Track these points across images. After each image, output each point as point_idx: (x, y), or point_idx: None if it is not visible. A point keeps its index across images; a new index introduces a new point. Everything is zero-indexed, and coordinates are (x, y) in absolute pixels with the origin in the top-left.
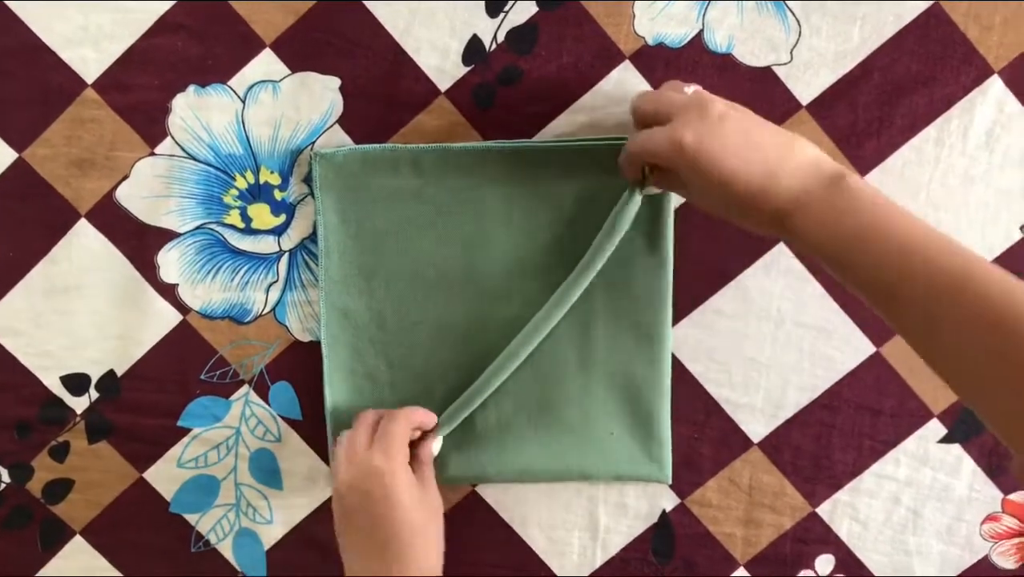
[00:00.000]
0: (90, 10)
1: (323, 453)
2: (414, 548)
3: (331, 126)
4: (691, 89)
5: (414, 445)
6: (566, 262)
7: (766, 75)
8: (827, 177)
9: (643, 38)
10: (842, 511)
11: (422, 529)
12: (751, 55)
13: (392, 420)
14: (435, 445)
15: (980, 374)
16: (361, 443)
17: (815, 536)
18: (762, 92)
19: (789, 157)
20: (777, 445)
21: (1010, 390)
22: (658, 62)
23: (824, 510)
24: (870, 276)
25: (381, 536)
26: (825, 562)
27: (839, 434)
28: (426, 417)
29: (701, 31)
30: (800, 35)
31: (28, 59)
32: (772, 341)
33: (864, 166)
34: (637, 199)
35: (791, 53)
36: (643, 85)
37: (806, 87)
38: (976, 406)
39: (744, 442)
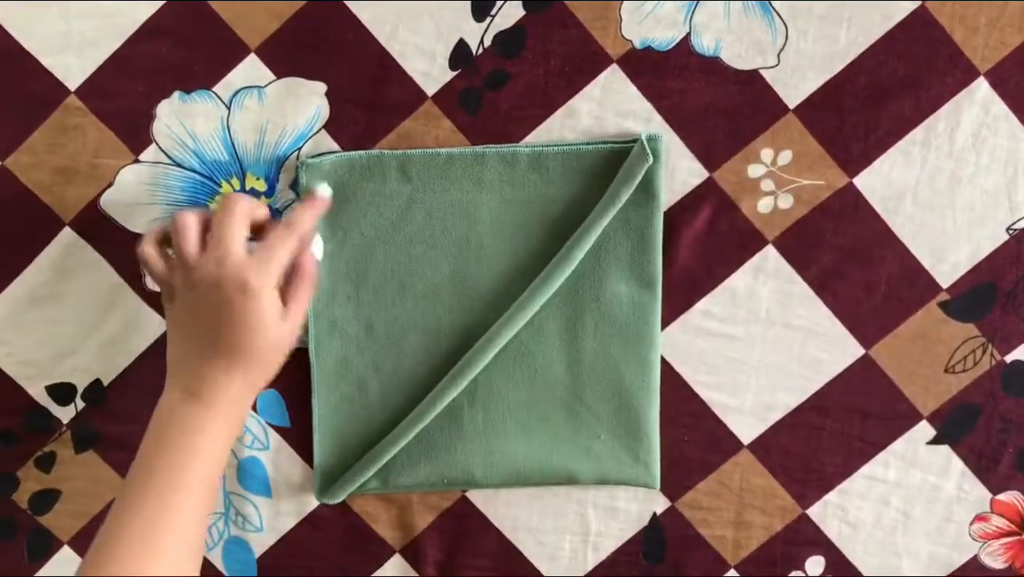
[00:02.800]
0: (72, 16)
1: (312, 460)
2: (243, 362)
3: (317, 132)
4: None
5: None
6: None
7: (753, 78)
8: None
9: (630, 41)
10: (832, 513)
11: (259, 352)
12: (738, 58)
13: (286, 235)
14: (317, 251)
15: None
16: (238, 242)
17: (805, 538)
18: (749, 95)
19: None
20: (767, 447)
21: None
22: (646, 65)
23: (814, 512)
24: None
25: (217, 342)
26: (815, 564)
27: (829, 436)
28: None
29: (688, 34)
30: (787, 38)
31: (9, 66)
32: (761, 343)
33: (851, 168)
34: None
35: (778, 56)
36: (630, 89)
37: (793, 90)
38: None
39: (734, 444)
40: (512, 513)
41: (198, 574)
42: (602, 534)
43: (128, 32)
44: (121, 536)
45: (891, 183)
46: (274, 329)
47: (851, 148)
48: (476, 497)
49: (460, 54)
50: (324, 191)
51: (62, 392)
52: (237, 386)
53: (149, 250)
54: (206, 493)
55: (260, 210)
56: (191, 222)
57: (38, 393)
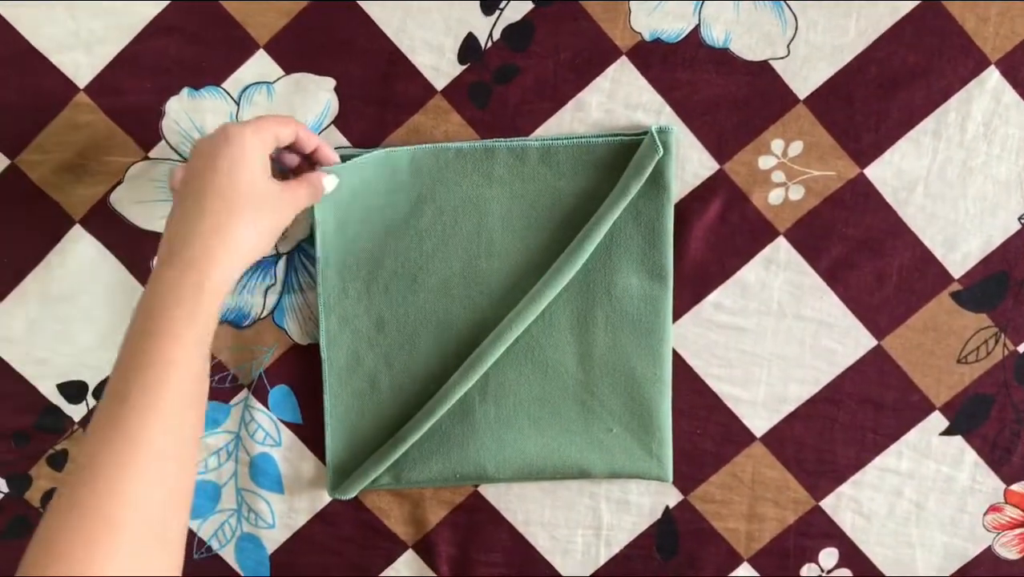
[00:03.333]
0: (80, 14)
1: (324, 457)
2: (235, 223)
3: (327, 127)
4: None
5: (311, 166)
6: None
7: (763, 69)
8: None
9: (640, 34)
10: (845, 504)
11: (248, 209)
12: (748, 49)
13: (277, 116)
14: (328, 181)
15: None
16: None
17: (818, 530)
18: (759, 86)
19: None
20: (780, 439)
21: None
22: (655, 57)
23: (827, 504)
24: None
25: (207, 195)
26: (829, 556)
27: (841, 428)
28: (326, 151)
29: (698, 26)
30: (797, 29)
31: (19, 65)
32: (773, 335)
33: (862, 159)
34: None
35: (788, 47)
36: (640, 81)
37: (803, 81)
38: None
39: (746, 437)
40: (524, 507)
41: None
42: (615, 528)
43: (137, 29)
44: (91, 459)
45: (902, 173)
46: (259, 181)
47: (862, 138)
48: (488, 491)
49: (469, 48)
50: (330, 182)
51: (73, 390)
52: (225, 255)
53: (174, 168)
54: (190, 394)
55: (288, 128)
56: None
57: (50, 391)
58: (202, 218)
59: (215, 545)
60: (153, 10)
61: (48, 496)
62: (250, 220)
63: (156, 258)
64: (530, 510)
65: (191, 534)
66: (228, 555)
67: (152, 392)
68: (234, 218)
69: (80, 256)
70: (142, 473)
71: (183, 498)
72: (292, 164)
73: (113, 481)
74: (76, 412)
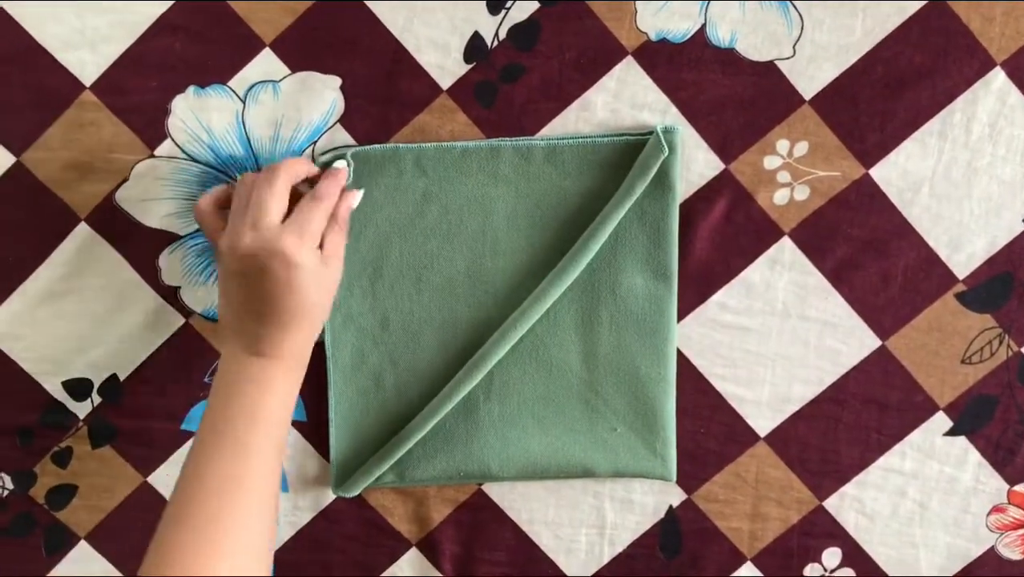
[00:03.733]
0: (86, 12)
1: (328, 454)
2: (297, 323)
3: (332, 126)
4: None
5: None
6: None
7: (769, 69)
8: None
9: (646, 34)
10: (849, 504)
11: (311, 309)
12: (754, 50)
13: (316, 205)
14: (354, 200)
15: None
16: (272, 209)
17: (822, 530)
18: (765, 87)
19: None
20: (783, 439)
21: None
22: (661, 57)
23: (831, 504)
24: None
25: (267, 309)
26: (832, 555)
27: (845, 428)
28: (341, 188)
29: (704, 26)
30: (802, 29)
31: (25, 62)
32: (777, 335)
33: (868, 160)
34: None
35: (794, 47)
36: (645, 81)
37: (809, 81)
38: None
39: (750, 436)
40: (528, 506)
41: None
42: (618, 527)
43: (143, 27)
44: (195, 495)
45: (907, 174)
46: (318, 287)
47: (867, 139)
48: (492, 490)
49: (475, 47)
50: (340, 164)
51: (79, 387)
52: (299, 339)
53: (204, 208)
54: (276, 450)
55: (303, 168)
56: (249, 182)
57: (55, 389)
58: (274, 326)
59: None
60: (159, 8)
61: (52, 493)
62: (325, 302)
63: (227, 323)
64: (534, 509)
65: None
66: None
67: (251, 439)
68: (322, 317)
69: (85, 254)
70: (242, 506)
71: (271, 524)
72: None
73: (219, 512)
74: (81, 409)
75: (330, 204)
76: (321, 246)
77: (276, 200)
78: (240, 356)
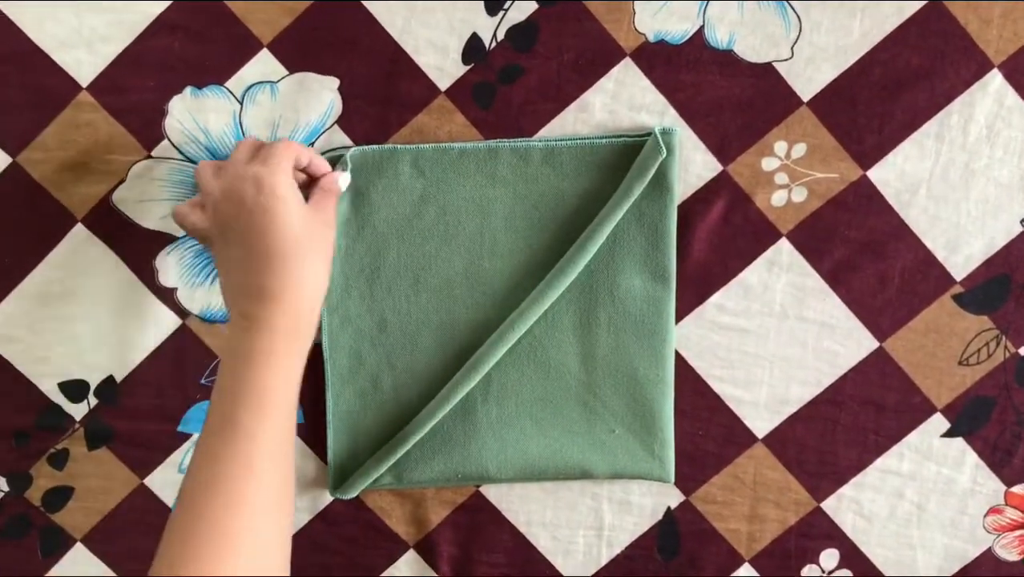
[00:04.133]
0: (84, 12)
1: (326, 456)
2: (296, 264)
3: (330, 127)
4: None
5: (314, 180)
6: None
7: (767, 71)
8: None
9: (644, 35)
10: (846, 506)
11: (303, 248)
12: (752, 51)
13: (282, 143)
14: (342, 179)
15: None
16: (239, 160)
17: (820, 531)
18: (763, 88)
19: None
20: (781, 441)
21: None
22: (659, 59)
23: (828, 505)
24: None
25: (260, 248)
26: (829, 557)
27: (843, 429)
28: (317, 159)
29: (702, 27)
30: (801, 31)
31: (22, 62)
32: (775, 337)
33: (865, 161)
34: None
35: (792, 49)
36: (643, 82)
37: (807, 83)
38: None
39: (748, 438)
40: (526, 508)
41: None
42: (616, 528)
43: (140, 28)
44: (203, 485)
45: (905, 176)
46: (302, 223)
47: (865, 141)
48: (490, 492)
49: (473, 48)
50: (343, 180)
51: (75, 389)
52: (293, 295)
53: (181, 207)
54: (282, 429)
55: (307, 153)
56: (204, 167)
57: (51, 390)
58: (264, 271)
59: None
60: (156, 8)
61: (48, 495)
62: (313, 259)
63: (228, 309)
64: (532, 510)
65: None
66: None
67: (257, 421)
68: (301, 262)
69: (82, 255)
70: (255, 491)
71: (287, 509)
72: (299, 181)
73: (231, 497)
74: (77, 411)
75: (300, 149)
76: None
77: (246, 151)
78: (242, 328)
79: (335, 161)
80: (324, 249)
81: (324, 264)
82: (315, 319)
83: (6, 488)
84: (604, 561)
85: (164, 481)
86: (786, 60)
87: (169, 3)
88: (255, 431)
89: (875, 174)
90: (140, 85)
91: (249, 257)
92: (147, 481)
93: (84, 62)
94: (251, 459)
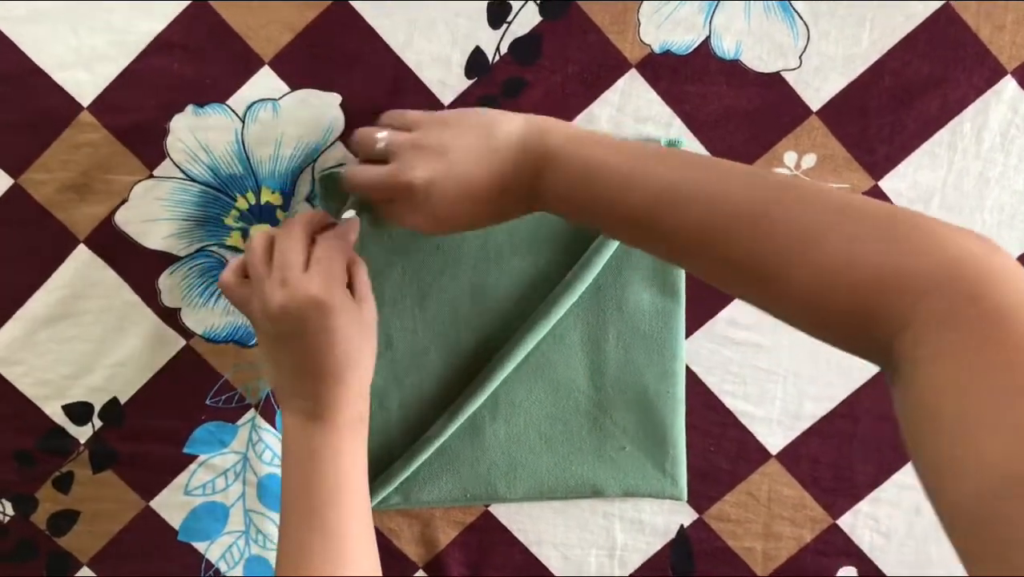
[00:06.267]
0: (83, 32)
1: None
2: (355, 376)
3: (333, 143)
4: (382, 142)
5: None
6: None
7: (775, 81)
8: (538, 154)
9: (649, 46)
10: (863, 522)
11: (357, 355)
12: (759, 61)
13: (331, 245)
14: (351, 222)
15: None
16: (296, 262)
17: (836, 548)
18: (771, 98)
19: (505, 162)
20: (796, 456)
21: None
22: (665, 70)
23: (845, 522)
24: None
25: (314, 365)
26: (847, 574)
27: (858, 444)
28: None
29: (708, 37)
30: (809, 39)
31: (21, 82)
32: (788, 351)
33: (877, 171)
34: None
35: (800, 58)
36: (650, 94)
37: (816, 92)
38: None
39: (762, 454)
40: (536, 527)
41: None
42: (628, 548)
43: (140, 46)
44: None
45: (917, 185)
46: (358, 329)
47: (876, 151)
48: (499, 511)
49: (476, 62)
50: (349, 214)
51: (79, 411)
52: (353, 391)
53: (228, 280)
54: (364, 507)
55: (320, 220)
56: (259, 245)
57: (55, 413)
58: (322, 383)
59: (223, 568)
60: (156, 26)
61: (54, 518)
62: (366, 352)
63: (278, 397)
64: (542, 530)
65: (198, 556)
66: None
67: (337, 514)
68: (357, 363)
69: (85, 276)
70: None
71: None
72: None
73: None
74: (82, 434)
75: (347, 243)
76: (350, 288)
77: (299, 254)
78: (305, 427)
79: (337, 179)
80: (372, 337)
81: (373, 349)
82: (368, 399)
83: (11, 512)
84: None
85: (170, 503)
86: (794, 69)
87: (169, 21)
88: (338, 524)
89: (887, 184)
90: (141, 104)
91: (306, 368)
92: (153, 504)
93: (84, 82)
94: (341, 553)
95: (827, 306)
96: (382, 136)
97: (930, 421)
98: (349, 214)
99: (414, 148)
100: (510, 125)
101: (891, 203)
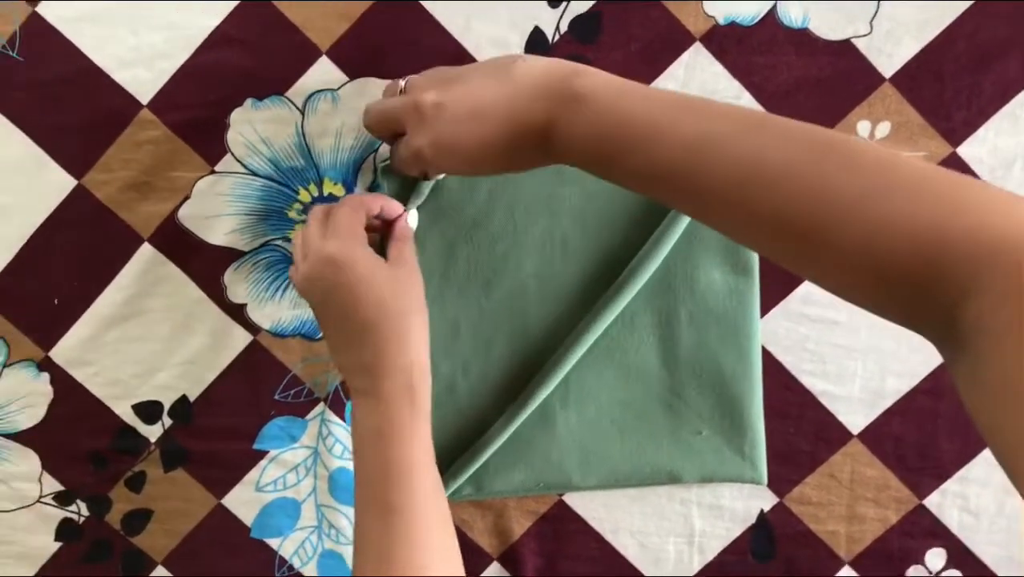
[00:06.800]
0: (141, 29)
1: None
2: (392, 330)
3: None
4: (403, 83)
5: (388, 224)
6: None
7: (846, 48)
8: (561, 95)
9: (713, 18)
10: (951, 502)
11: (394, 313)
12: (828, 28)
13: (340, 205)
14: (411, 219)
15: None
16: (314, 235)
17: (923, 529)
18: (842, 66)
19: (519, 93)
20: (878, 436)
21: None
22: (731, 42)
23: (932, 502)
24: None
25: (354, 325)
26: (936, 556)
27: (944, 421)
28: (387, 204)
29: (775, 6)
30: (879, 4)
31: (83, 84)
32: (867, 327)
33: (954, 138)
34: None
35: (871, 24)
36: (715, 67)
37: (888, 59)
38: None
39: (843, 435)
40: (612, 516)
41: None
42: (707, 534)
43: (197, 42)
44: (379, 560)
45: (998, 151)
46: (390, 286)
47: (953, 116)
48: (574, 500)
49: (536, 42)
50: (412, 220)
51: (149, 410)
52: (396, 357)
53: (292, 270)
54: (430, 486)
55: (376, 202)
56: (299, 235)
57: (125, 412)
58: (364, 345)
59: (296, 563)
60: (213, 21)
61: (128, 518)
62: (408, 319)
63: (348, 385)
64: (618, 519)
65: (271, 552)
66: (309, 572)
67: (407, 496)
68: (396, 327)
69: (150, 275)
70: (426, 564)
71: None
72: (375, 233)
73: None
74: (152, 433)
75: (360, 204)
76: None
77: (318, 227)
78: (362, 404)
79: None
80: (415, 303)
81: (420, 318)
82: (427, 377)
83: (87, 513)
84: (697, 568)
85: (241, 500)
86: (865, 36)
87: (225, 15)
88: (403, 506)
89: (966, 151)
90: (200, 100)
91: (345, 337)
92: (224, 501)
93: (144, 80)
94: (412, 537)
95: (882, 268)
96: (404, 80)
97: (1011, 398)
98: (413, 216)
99: (429, 79)
100: (535, 62)
101: (970, 171)
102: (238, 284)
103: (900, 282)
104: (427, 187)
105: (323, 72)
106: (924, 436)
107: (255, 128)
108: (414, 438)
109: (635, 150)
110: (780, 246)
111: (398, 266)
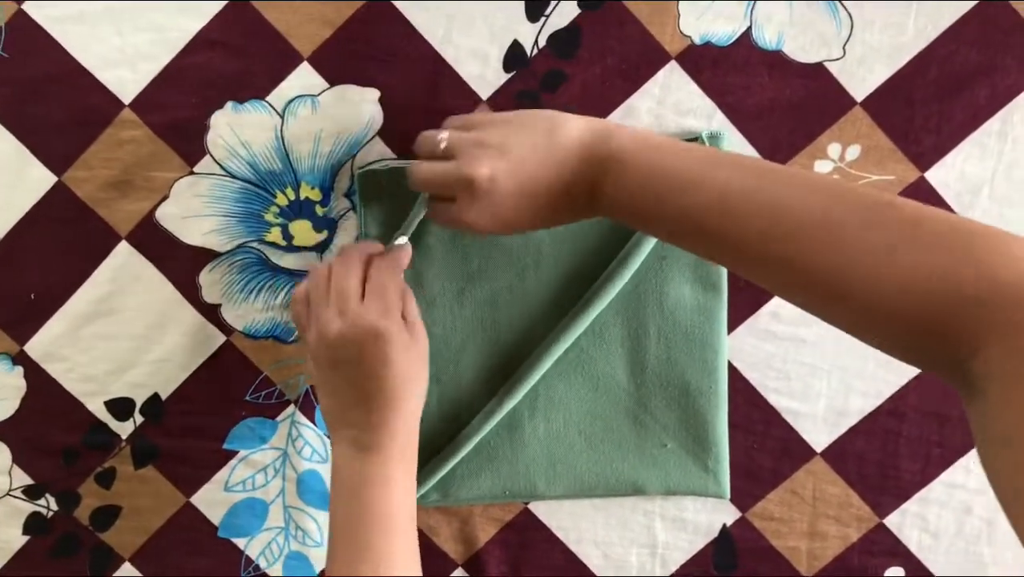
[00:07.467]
0: (126, 30)
1: None
2: (402, 398)
3: (371, 139)
4: (442, 138)
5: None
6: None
7: (818, 71)
8: (603, 159)
9: (689, 37)
10: (911, 522)
11: (412, 384)
12: (802, 51)
13: (385, 274)
14: (406, 246)
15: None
16: (353, 292)
17: (883, 548)
18: (814, 89)
19: (566, 161)
20: (841, 454)
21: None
22: (705, 61)
23: (892, 521)
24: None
25: (371, 389)
26: (895, 575)
27: (906, 441)
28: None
29: (749, 28)
30: (852, 29)
31: (66, 82)
32: (833, 346)
33: (923, 162)
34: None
35: (843, 48)
36: (691, 86)
37: (860, 83)
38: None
39: (806, 452)
40: (577, 525)
41: None
42: (670, 546)
43: (180, 44)
44: None
45: (965, 177)
46: (411, 358)
47: (922, 141)
48: (539, 509)
49: (514, 56)
50: (402, 240)
51: (121, 407)
52: (405, 422)
53: (299, 298)
54: (413, 536)
55: (374, 248)
56: (322, 273)
57: (97, 409)
58: (372, 407)
59: (263, 564)
60: (197, 24)
61: (97, 513)
62: (417, 385)
63: (329, 426)
64: (583, 528)
65: (238, 552)
66: (276, 573)
67: (387, 543)
68: (409, 393)
69: (127, 273)
70: None
71: None
72: None
73: None
74: (123, 429)
75: (399, 271)
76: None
77: (356, 283)
78: (356, 457)
79: (376, 174)
80: (424, 369)
81: (425, 378)
82: (417, 431)
83: (55, 507)
84: None
85: (210, 499)
86: (838, 59)
87: (209, 19)
88: (387, 552)
89: (934, 176)
90: (182, 101)
91: (355, 395)
92: (193, 499)
93: (127, 80)
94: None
95: (900, 320)
96: (443, 136)
97: (1016, 448)
98: (401, 240)
99: (476, 146)
100: (573, 126)
101: (938, 196)
102: (213, 285)
103: (917, 335)
104: (420, 216)
105: (304, 78)
106: (886, 456)
107: (235, 131)
108: (402, 490)
109: (669, 201)
110: (810, 298)
111: (417, 335)
